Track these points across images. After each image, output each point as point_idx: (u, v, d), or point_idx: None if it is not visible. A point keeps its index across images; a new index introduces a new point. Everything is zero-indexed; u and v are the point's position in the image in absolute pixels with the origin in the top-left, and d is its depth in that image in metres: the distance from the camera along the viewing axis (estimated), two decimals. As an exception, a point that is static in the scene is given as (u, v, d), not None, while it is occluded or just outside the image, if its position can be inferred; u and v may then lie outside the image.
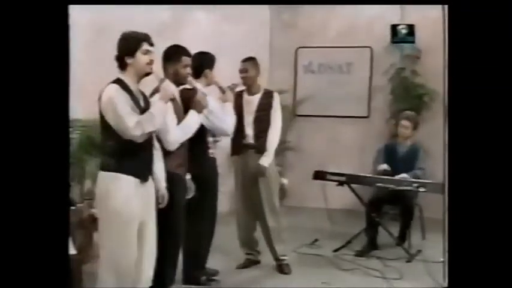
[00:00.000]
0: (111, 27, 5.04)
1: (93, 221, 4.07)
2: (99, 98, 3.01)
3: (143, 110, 3.07)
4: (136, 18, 5.09)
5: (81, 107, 4.16)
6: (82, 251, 3.87)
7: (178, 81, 3.63)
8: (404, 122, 5.32)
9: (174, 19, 5.93)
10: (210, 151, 4.11)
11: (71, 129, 4.20)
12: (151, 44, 3.13)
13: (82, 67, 4.42)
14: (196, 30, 6.20)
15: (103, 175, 3.04)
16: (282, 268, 4.61)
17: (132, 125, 2.92)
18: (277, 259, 4.63)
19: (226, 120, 4.02)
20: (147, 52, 3.07)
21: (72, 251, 3.53)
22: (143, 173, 3.11)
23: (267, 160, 4.47)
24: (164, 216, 3.29)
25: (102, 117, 3.02)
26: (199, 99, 3.63)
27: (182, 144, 3.56)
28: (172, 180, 3.43)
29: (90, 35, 4.86)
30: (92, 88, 4.74)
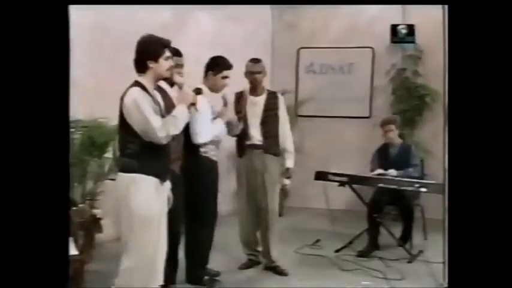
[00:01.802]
0: (113, 27, 5.07)
1: (94, 221, 4.09)
2: (121, 100, 3.01)
3: (161, 113, 3.11)
4: (137, 18, 5.10)
5: (83, 107, 4.18)
6: (84, 251, 3.87)
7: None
8: (390, 126, 5.38)
9: (175, 19, 5.93)
10: (202, 150, 4.08)
11: (72, 130, 4.21)
12: (171, 50, 3.18)
13: (83, 67, 4.43)
14: (197, 30, 6.20)
15: (123, 176, 3.04)
16: (276, 269, 4.59)
17: (158, 127, 2.96)
18: (271, 260, 4.60)
19: (203, 129, 3.95)
20: (167, 58, 3.10)
21: (73, 251, 3.54)
22: (163, 173, 3.14)
23: (291, 161, 4.63)
24: None
25: (122, 119, 3.02)
26: (185, 92, 3.54)
27: (174, 139, 3.54)
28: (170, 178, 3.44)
29: (91, 35, 4.86)
30: (93, 89, 4.79)
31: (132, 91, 3.01)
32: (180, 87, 3.29)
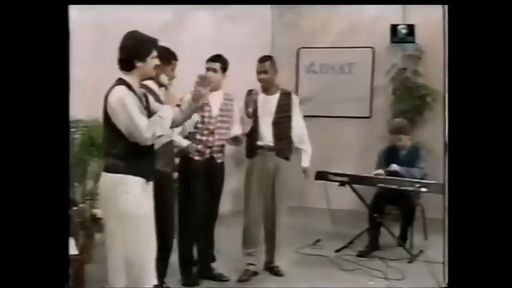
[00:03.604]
0: (113, 27, 5.06)
1: (94, 221, 4.08)
2: (105, 99, 2.95)
3: (147, 113, 3.08)
4: (137, 18, 5.09)
5: (83, 107, 4.18)
6: (84, 251, 3.87)
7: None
8: (399, 136, 5.31)
9: (175, 19, 5.93)
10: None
11: (73, 130, 4.21)
12: (163, 50, 3.15)
13: (84, 67, 4.43)
14: (197, 30, 6.20)
15: (109, 177, 2.99)
16: (274, 270, 4.57)
17: (144, 127, 2.90)
18: (271, 262, 4.58)
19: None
20: (154, 57, 3.06)
21: (74, 251, 3.53)
22: (149, 173, 3.11)
23: (308, 161, 4.56)
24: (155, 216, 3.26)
25: (107, 118, 2.96)
26: (170, 94, 3.41)
27: (168, 142, 3.53)
28: (161, 178, 3.43)
29: (91, 35, 4.86)
30: (94, 88, 4.78)
31: (117, 90, 2.93)
32: (166, 88, 3.25)
